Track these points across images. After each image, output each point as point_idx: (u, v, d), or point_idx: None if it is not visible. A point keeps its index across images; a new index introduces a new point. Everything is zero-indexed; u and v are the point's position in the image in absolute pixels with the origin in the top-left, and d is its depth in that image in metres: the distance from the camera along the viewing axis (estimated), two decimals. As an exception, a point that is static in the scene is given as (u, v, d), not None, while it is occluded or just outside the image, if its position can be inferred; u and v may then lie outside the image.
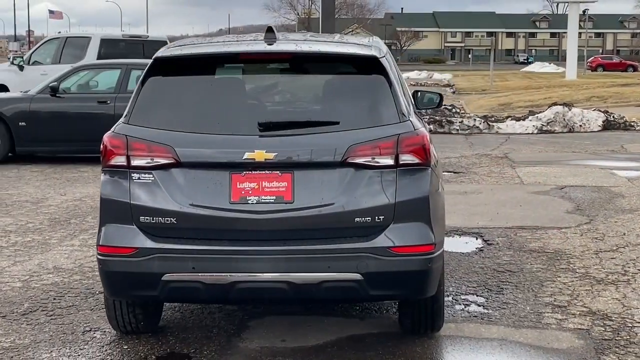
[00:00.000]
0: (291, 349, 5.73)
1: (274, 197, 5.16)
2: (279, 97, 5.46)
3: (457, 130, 22.59)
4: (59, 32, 21.65)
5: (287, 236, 5.18)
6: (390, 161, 5.21)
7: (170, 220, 5.19)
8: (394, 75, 5.53)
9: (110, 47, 20.29)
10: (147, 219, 5.21)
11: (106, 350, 5.75)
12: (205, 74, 5.55)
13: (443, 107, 25.11)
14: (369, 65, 5.47)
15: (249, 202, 5.15)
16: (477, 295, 7.01)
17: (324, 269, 5.14)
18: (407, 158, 5.24)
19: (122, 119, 5.45)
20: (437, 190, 5.45)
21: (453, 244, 8.91)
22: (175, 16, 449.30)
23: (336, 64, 5.59)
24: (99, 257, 5.34)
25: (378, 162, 5.20)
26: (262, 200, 5.16)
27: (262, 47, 5.62)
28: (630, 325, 6.23)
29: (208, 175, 5.21)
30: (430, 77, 63.46)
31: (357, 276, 5.15)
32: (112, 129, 5.46)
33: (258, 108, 5.43)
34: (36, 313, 6.57)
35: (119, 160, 5.30)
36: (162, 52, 5.67)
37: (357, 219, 5.16)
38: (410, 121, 5.33)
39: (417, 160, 5.26)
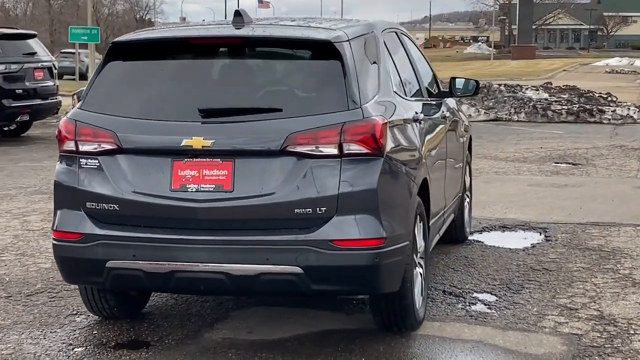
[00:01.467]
0: (250, 342, 5.59)
1: (214, 186, 5.03)
2: (227, 83, 5.31)
3: (609, 119, 21.61)
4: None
5: (225, 226, 5.04)
6: (334, 150, 4.97)
7: (114, 207, 5.15)
8: (354, 60, 5.24)
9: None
10: (92, 205, 5.21)
11: (74, 334, 5.78)
12: (157, 59, 5.47)
13: (597, 95, 24.07)
14: (323, 50, 5.25)
15: (188, 190, 5.05)
16: (492, 294, 6.64)
17: (262, 260, 4.97)
18: (353, 147, 4.99)
19: (77, 104, 5.46)
20: (392, 180, 5.15)
21: (507, 239, 8.54)
22: (384, 3, 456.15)
23: (289, 49, 5.39)
24: (53, 241, 5.38)
25: (321, 152, 4.97)
26: (202, 189, 5.04)
27: (214, 32, 5.50)
28: (631, 332, 5.73)
29: (151, 162, 5.14)
30: (631, 65, 60.89)
31: (297, 269, 4.95)
32: (68, 113, 5.50)
33: (204, 94, 5.30)
34: (41, 295, 6.71)
35: (70, 145, 5.31)
36: (120, 37, 5.65)
37: (297, 210, 4.96)
38: (363, 108, 5.06)
39: (364, 150, 5.00)
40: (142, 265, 5.10)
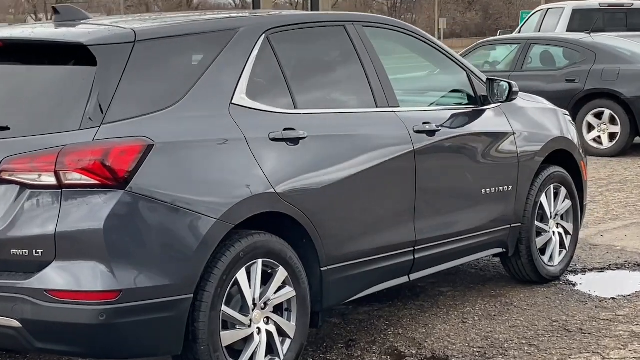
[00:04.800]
0: None
1: None
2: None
3: None
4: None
5: None
6: (52, 180, 4.08)
7: None
8: (125, 67, 4.28)
9: (584, 18, 18.55)
10: None
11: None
12: None
13: None
14: (78, 55, 4.34)
15: None
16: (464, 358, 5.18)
17: None
18: (74, 177, 4.06)
19: None
20: (138, 219, 4.13)
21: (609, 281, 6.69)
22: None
23: (47, 53, 4.51)
24: None
25: (41, 181, 4.11)
26: None
27: None
28: None
29: None
30: None
31: (15, 323, 4.13)
32: None
33: None
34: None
35: None
36: None
37: (13, 251, 4.15)
38: (101, 128, 4.11)
39: (91, 181, 4.06)
40: None
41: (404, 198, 5.43)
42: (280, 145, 4.71)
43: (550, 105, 6.98)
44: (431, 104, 6.24)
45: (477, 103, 6.10)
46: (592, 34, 14.23)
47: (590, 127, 13.26)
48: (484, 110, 6.11)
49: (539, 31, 19.52)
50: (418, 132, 5.51)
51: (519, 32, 21.16)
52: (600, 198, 9.89)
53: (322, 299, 4.97)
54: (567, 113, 7.09)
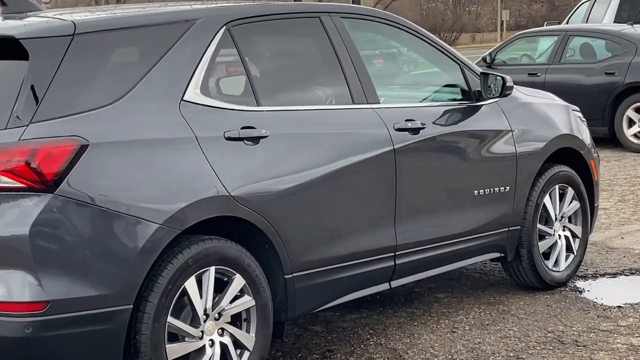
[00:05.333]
0: None
1: None
2: None
3: None
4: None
5: None
6: None
7: None
8: (61, 61, 4.03)
9: (632, 9, 17.89)
10: None
11: None
12: None
13: None
14: (9, 49, 4.09)
15: None
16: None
17: None
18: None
19: None
20: (68, 225, 3.87)
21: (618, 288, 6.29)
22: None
23: None
24: None
25: None
26: None
27: None
28: None
29: None
30: None
31: None
32: None
33: None
34: None
35: None
36: None
37: None
38: (29, 127, 3.86)
39: (17, 184, 3.81)
40: None
41: (382, 201, 5.10)
42: (236, 145, 4.42)
43: (558, 101, 6.58)
44: (422, 99, 5.89)
45: (471, 99, 5.75)
46: (634, 25, 13.67)
47: (631, 122, 12.72)
48: (478, 107, 5.75)
49: (587, 22, 18.93)
50: (399, 130, 5.18)
51: (567, 23, 20.56)
52: (631, 197, 9.40)
53: (287, 309, 4.68)
54: (577, 109, 6.67)
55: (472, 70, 5.78)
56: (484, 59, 14.20)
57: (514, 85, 5.91)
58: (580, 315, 5.70)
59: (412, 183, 5.25)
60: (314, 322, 5.65)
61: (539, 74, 13.46)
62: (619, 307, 5.83)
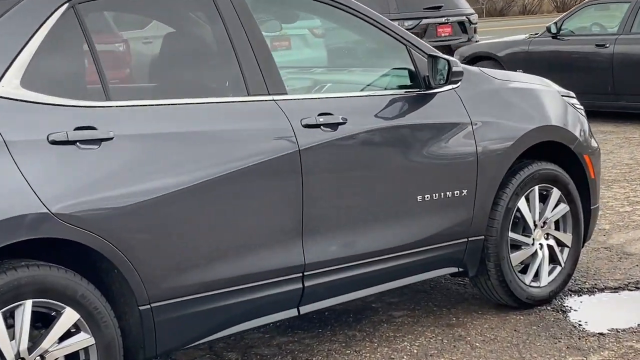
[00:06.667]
0: None
1: None
2: None
3: None
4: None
5: None
6: None
7: None
8: None
9: None
10: None
11: None
12: None
13: None
14: None
15: None
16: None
17: None
18: None
19: None
20: None
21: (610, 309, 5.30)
22: None
23: None
24: None
25: None
26: None
27: None
28: None
29: None
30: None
31: None
32: None
33: None
34: None
35: None
36: None
37: None
38: None
39: None
40: None
41: (283, 212, 4.26)
42: (66, 150, 3.64)
43: (545, 86, 5.56)
44: (352, 88, 4.99)
45: (420, 86, 4.83)
46: None
47: None
48: (428, 95, 4.83)
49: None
50: (308, 126, 4.31)
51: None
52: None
53: (144, 346, 3.90)
54: (573, 96, 5.64)
55: (422, 51, 4.85)
56: (548, 29, 13.04)
57: (483, 69, 4.96)
58: (546, 345, 4.75)
59: (327, 190, 4.39)
60: (232, 347, 4.88)
61: (607, 45, 12.24)
62: (600, 334, 4.86)
